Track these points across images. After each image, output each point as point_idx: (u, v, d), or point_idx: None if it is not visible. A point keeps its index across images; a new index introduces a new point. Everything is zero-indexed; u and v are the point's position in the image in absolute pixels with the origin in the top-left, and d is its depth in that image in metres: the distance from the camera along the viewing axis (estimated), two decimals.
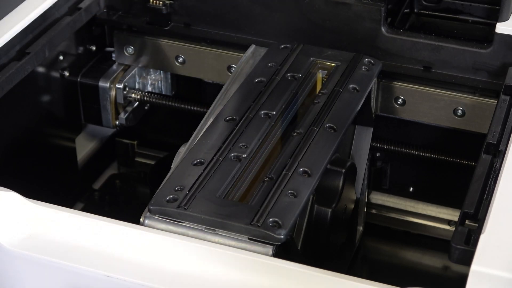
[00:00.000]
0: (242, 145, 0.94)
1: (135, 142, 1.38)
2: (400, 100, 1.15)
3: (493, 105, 1.04)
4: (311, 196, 0.97)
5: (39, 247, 0.83)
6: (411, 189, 1.26)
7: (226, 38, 1.19)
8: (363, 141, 1.12)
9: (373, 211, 1.28)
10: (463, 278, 0.76)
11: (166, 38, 1.23)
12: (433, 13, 1.20)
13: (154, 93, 1.28)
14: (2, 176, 1.04)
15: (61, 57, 1.19)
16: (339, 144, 0.96)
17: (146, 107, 1.30)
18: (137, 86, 1.27)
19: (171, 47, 1.24)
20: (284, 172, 0.90)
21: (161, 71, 1.28)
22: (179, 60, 1.24)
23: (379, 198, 1.28)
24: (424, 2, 1.20)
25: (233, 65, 1.20)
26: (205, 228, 0.85)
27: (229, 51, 1.20)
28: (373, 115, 1.14)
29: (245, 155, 0.93)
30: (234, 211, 0.85)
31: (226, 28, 1.19)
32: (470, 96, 1.12)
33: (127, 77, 1.25)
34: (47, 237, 0.84)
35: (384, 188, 1.27)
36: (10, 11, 1.11)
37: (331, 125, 0.98)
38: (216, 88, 1.19)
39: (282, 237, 0.82)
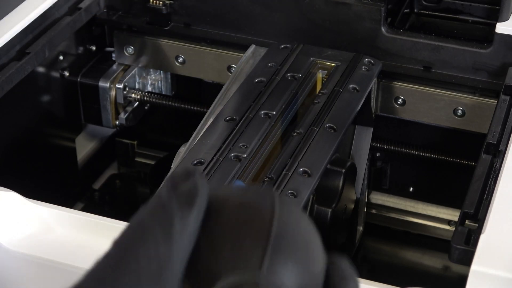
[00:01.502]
0: (242, 145, 0.94)
1: (135, 142, 1.38)
2: (400, 100, 1.15)
3: (493, 105, 1.04)
4: (311, 196, 0.97)
5: (39, 247, 0.83)
6: (411, 189, 1.26)
7: (226, 38, 1.19)
8: (363, 141, 1.12)
9: (373, 211, 1.28)
10: (463, 278, 0.76)
11: (166, 38, 1.23)
12: (433, 13, 1.20)
13: (154, 93, 1.28)
14: (2, 176, 1.03)
15: (61, 57, 1.19)
16: (339, 144, 0.96)
17: (146, 107, 1.30)
18: (137, 86, 1.27)
19: (171, 47, 1.24)
20: (284, 172, 0.90)
21: (161, 71, 1.28)
22: (179, 60, 1.24)
23: (379, 198, 1.28)
24: (424, 2, 1.20)
25: (233, 65, 1.19)
26: None
27: (229, 51, 1.20)
28: (373, 115, 1.14)
29: (245, 155, 0.93)
30: None
31: (226, 28, 1.19)
32: (470, 96, 1.12)
33: (127, 77, 1.25)
34: (47, 237, 0.84)
35: (384, 188, 1.27)
36: (10, 11, 1.11)
37: (331, 125, 0.98)
38: (216, 88, 1.19)
39: None
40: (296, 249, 0.46)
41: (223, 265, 0.44)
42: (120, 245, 0.44)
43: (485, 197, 0.86)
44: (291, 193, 0.87)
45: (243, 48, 1.16)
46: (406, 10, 1.20)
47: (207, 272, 0.45)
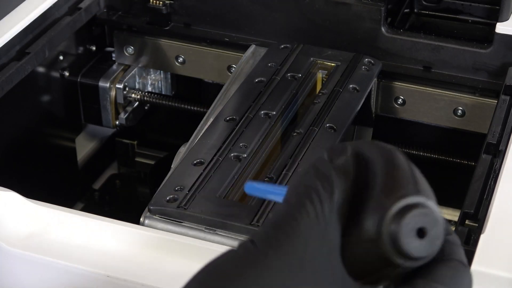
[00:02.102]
0: (242, 145, 0.94)
1: (135, 142, 1.38)
2: (400, 100, 1.15)
3: (493, 105, 1.04)
4: None
5: (39, 247, 0.83)
6: None
7: (226, 38, 1.19)
8: None
9: None
10: None
11: (166, 38, 1.23)
12: (433, 13, 1.20)
13: (154, 93, 1.28)
14: (2, 176, 1.04)
15: (61, 57, 1.19)
16: None
17: (146, 107, 1.30)
18: (137, 86, 1.27)
19: (171, 47, 1.24)
20: (284, 172, 0.90)
21: (161, 71, 1.28)
22: (179, 60, 1.24)
23: None
24: (424, 2, 1.20)
25: (233, 65, 1.20)
26: (205, 228, 0.85)
27: (229, 51, 1.20)
28: (373, 115, 1.14)
29: (245, 155, 0.93)
30: (234, 211, 0.85)
31: (226, 28, 1.19)
32: (470, 96, 1.12)
33: (127, 77, 1.25)
34: (47, 237, 0.84)
35: None
36: (10, 11, 1.11)
37: (331, 125, 0.98)
38: (216, 88, 1.19)
39: None
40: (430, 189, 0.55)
41: (389, 196, 0.52)
42: (291, 204, 0.52)
43: (485, 197, 0.86)
44: None
45: (243, 48, 1.16)
46: (406, 10, 1.20)
47: (375, 206, 0.52)
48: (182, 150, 0.98)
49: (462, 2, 1.18)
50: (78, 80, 1.24)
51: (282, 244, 0.51)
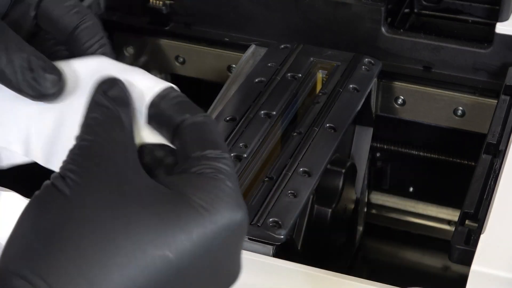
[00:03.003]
0: (242, 145, 0.94)
1: None
2: (400, 100, 1.15)
3: (493, 105, 1.04)
4: (311, 196, 0.97)
5: None
6: (411, 189, 1.26)
7: (226, 38, 1.19)
8: (363, 141, 1.12)
9: (373, 211, 1.28)
10: (463, 278, 0.76)
11: (166, 38, 1.23)
12: (433, 13, 1.20)
13: None
14: (2, 176, 1.03)
15: None
16: (339, 144, 0.96)
17: None
18: None
19: (171, 47, 1.24)
20: (284, 172, 0.90)
21: (161, 71, 1.28)
22: (179, 60, 1.24)
23: (379, 198, 1.28)
24: (424, 2, 1.20)
25: (233, 65, 1.20)
26: None
27: (229, 51, 1.21)
28: (373, 115, 1.14)
29: (245, 155, 0.93)
30: None
31: (226, 28, 1.19)
32: (470, 96, 1.12)
33: None
34: None
35: (384, 188, 1.27)
36: None
37: (331, 125, 0.98)
38: (216, 88, 1.19)
39: (282, 237, 0.82)
40: None
41: None
42: (89, 142, 0.56)
43: (485, 197, 0.86)
44: (291, 193, 0.87)
45: (243, 48, 1.16)
46: (406, 10, 1.20)
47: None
48: None
49: (462, 2, 1.18)
50: None
51: (96, 183, 0.55)
